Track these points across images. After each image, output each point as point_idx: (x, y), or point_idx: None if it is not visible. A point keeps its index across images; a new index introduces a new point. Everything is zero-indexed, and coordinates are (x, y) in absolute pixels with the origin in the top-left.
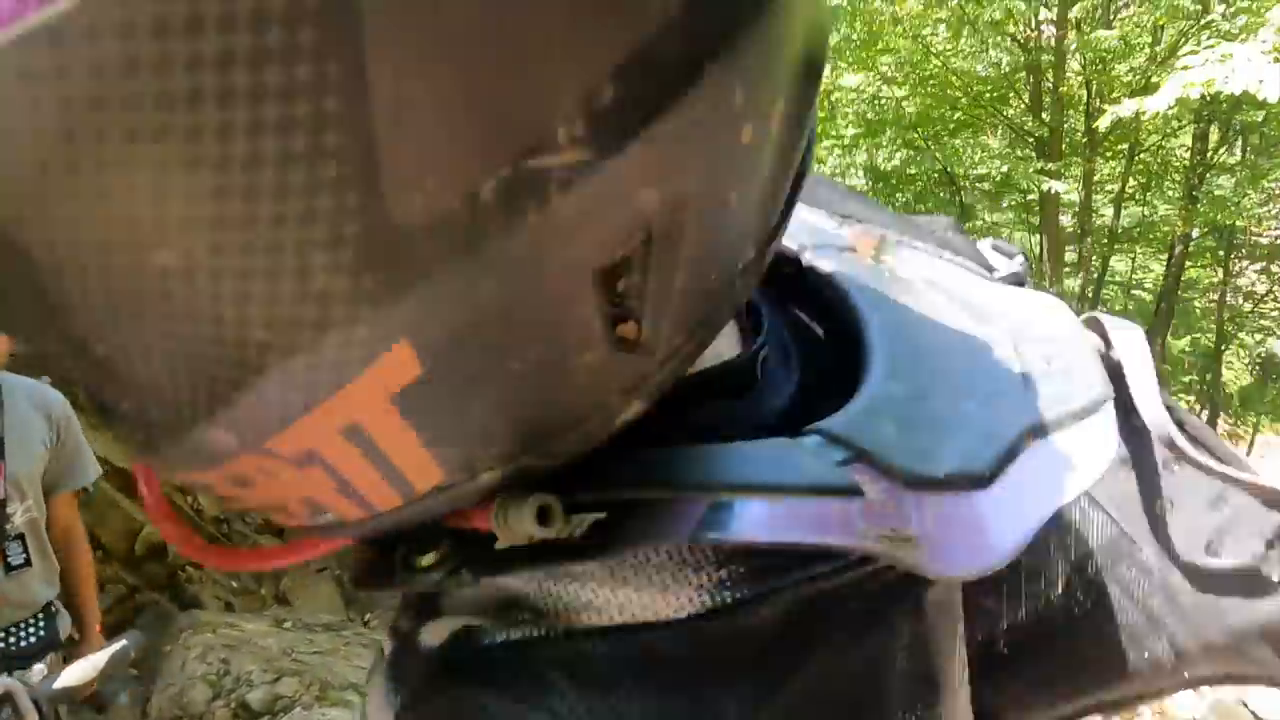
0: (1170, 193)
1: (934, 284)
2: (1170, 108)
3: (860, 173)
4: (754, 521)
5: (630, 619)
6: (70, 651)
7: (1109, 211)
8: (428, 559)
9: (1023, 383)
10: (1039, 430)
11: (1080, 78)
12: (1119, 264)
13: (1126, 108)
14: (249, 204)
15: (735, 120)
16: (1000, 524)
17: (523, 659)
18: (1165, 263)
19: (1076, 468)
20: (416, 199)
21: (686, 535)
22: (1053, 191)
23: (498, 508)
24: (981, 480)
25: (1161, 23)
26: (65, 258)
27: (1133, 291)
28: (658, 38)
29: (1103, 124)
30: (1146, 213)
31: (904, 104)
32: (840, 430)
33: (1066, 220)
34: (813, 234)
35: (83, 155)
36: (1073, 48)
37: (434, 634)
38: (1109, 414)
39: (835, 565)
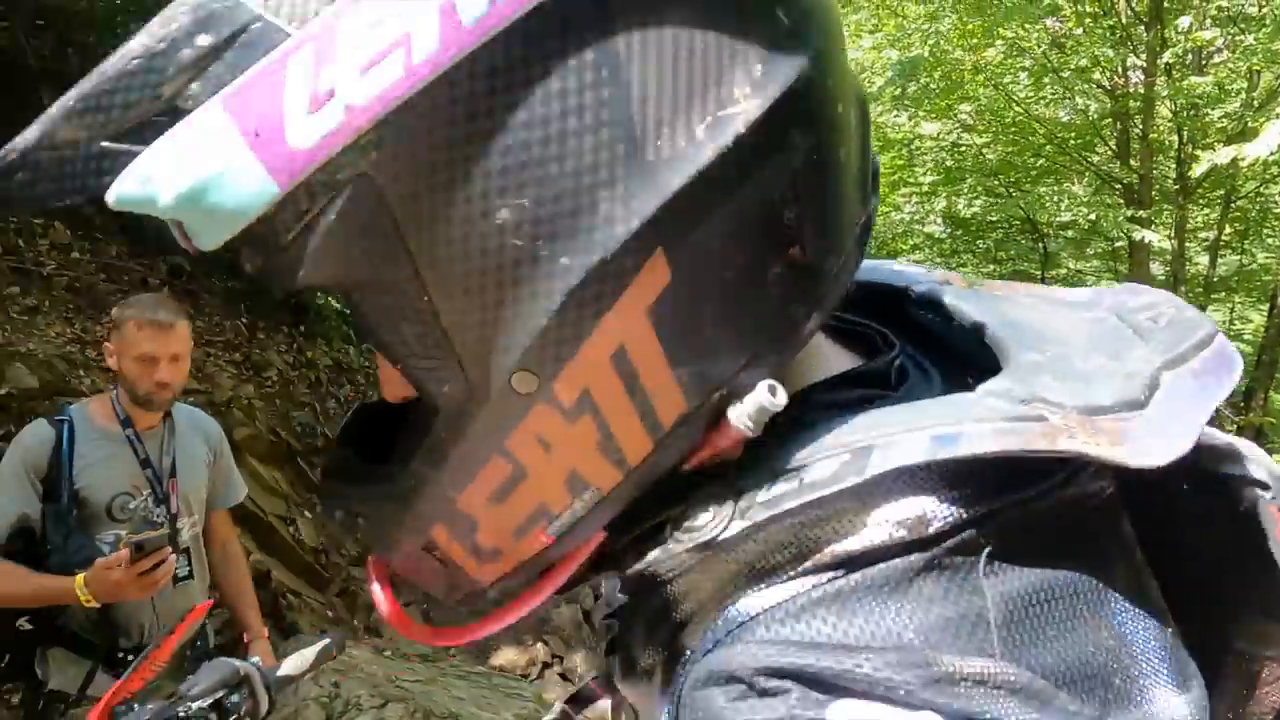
0: (1270, 240)
1: (1030, 293)
2: (1272, 154)
3: (939, 220)
4: (977, 437)
5: (888, 539)
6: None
7: (1203, 260)
8: (704, 515)
9: (1139, 338)
10: (1170, 364)
11: (1171, 124)
12: (1216, 313)
13: (1224, 154)
14: (558, 163)
15: (834, 98)
16: (1170, 429)
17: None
18: (1266, 313)
19: (1217, 379)
20: (665, 146)
21: (924, 455)
22: (1144, 240)
23: (735, 409)
24: (1138, 404)
25: (1258, 68)
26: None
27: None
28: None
29: (1197, 171)
30: (1244, 261)
31: (984, 151)
32: (1008, 384)
33: (1157, 269)
34: (913, 278)
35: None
36: (1163, 94)
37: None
38: (1224, 340)
39: (1042, 488)
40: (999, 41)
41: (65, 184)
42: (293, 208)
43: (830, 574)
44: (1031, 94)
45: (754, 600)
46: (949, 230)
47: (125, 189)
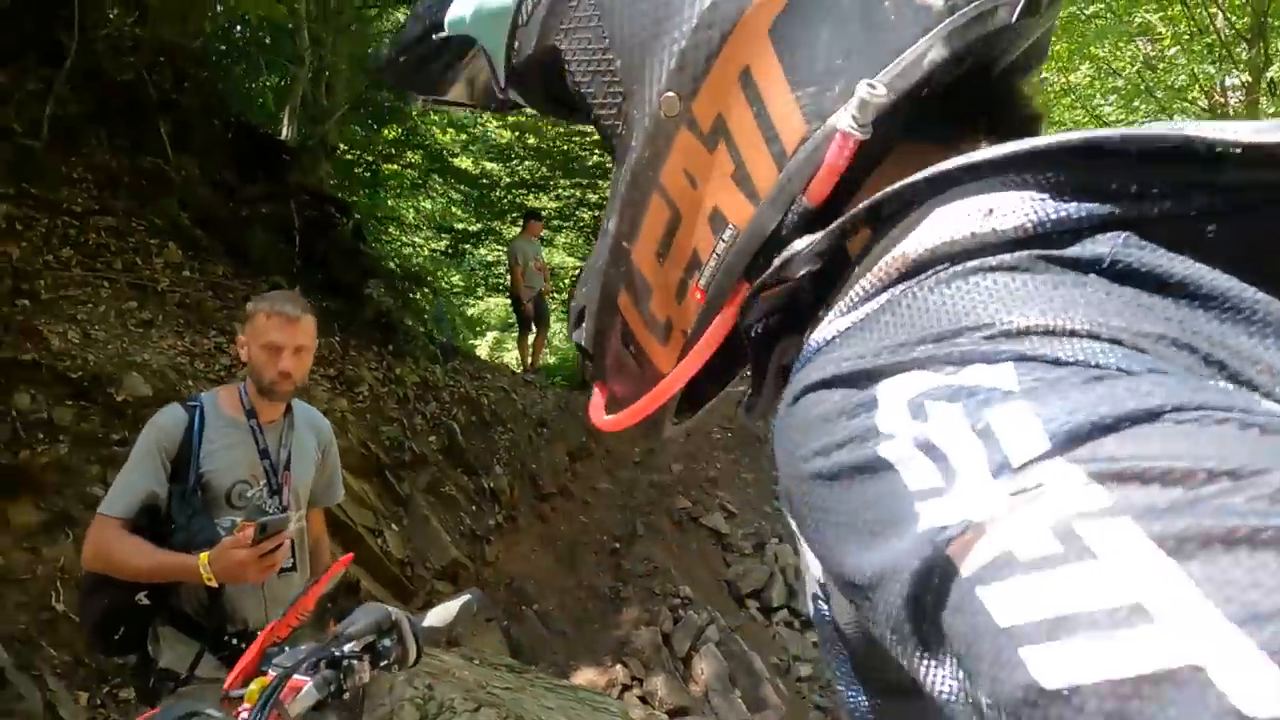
0: None
1: None
2: None
3: None
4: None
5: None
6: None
7: None
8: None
9: None
10: None
11: None
12: None
13: None
14: None
15: None
16: None
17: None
18: None
19: None
20: None
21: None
22: None
23: (840, 114)
24: None
25: None
26: None
27: None
28: None
29: None
30: None
31: None
32: None
33: None
34: None
35: None
36: (1268, 111)
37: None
38: None
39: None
40: (1088, 63)
41: (425, 18)
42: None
43: (893, 288)
44: (1123, 115)
45: (824, 329)
46: None
47: (453, 14)
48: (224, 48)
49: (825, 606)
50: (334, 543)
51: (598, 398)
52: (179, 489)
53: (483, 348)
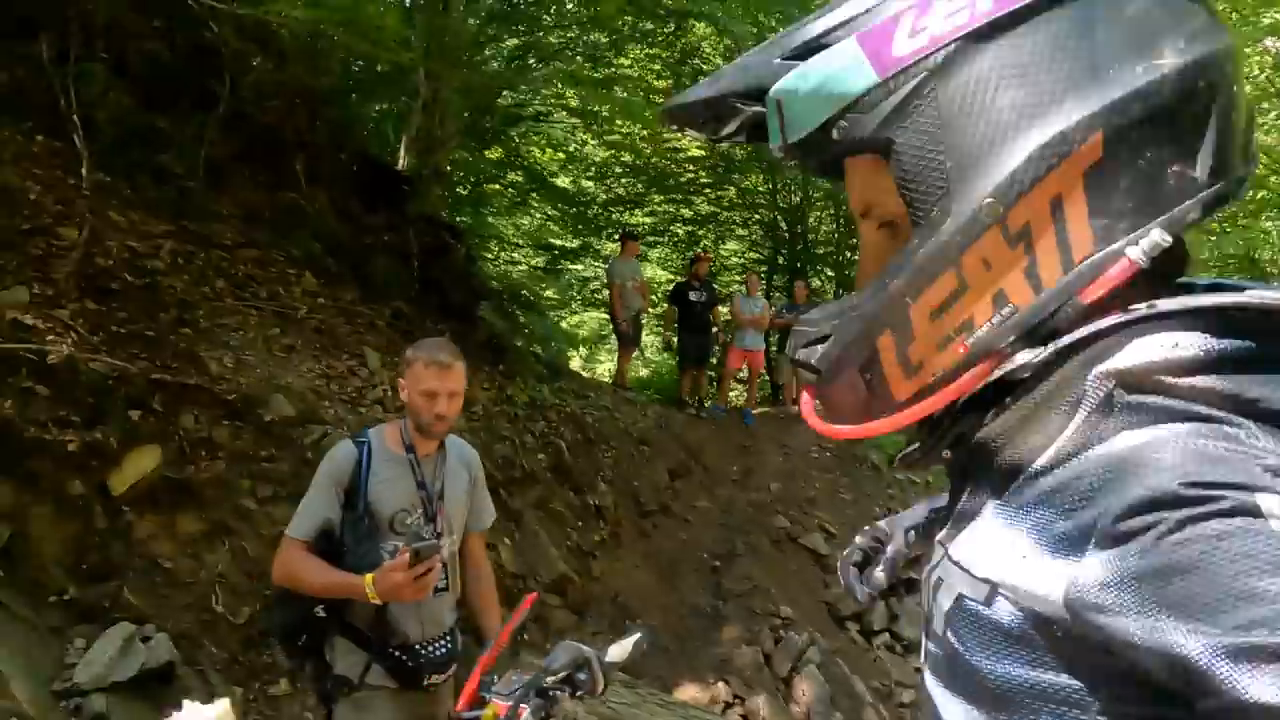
0: None
1: None
2: None
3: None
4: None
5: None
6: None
7: None
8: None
9: None
10: None
11: None
12: None
13: None
14: (1045, 73)
15: (1230, 77)
16: None
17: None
18: None
19: None
20: (1114, 73)
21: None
22: None
23: (1133, 249)
24: None
25: None
26: None
27: None
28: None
29: None
30: None
31: None
32: None
33: None
34: None
35: None
36: None
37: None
38: None
39: None
40: None
41: (750, 80)
42: (881, 89)
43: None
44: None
45: (1071, 432)
46: None
47: (783, 85)
48: (348, 85)
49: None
50: None
51: (808, 401)
52: (350, 516)
53: (575, 360)
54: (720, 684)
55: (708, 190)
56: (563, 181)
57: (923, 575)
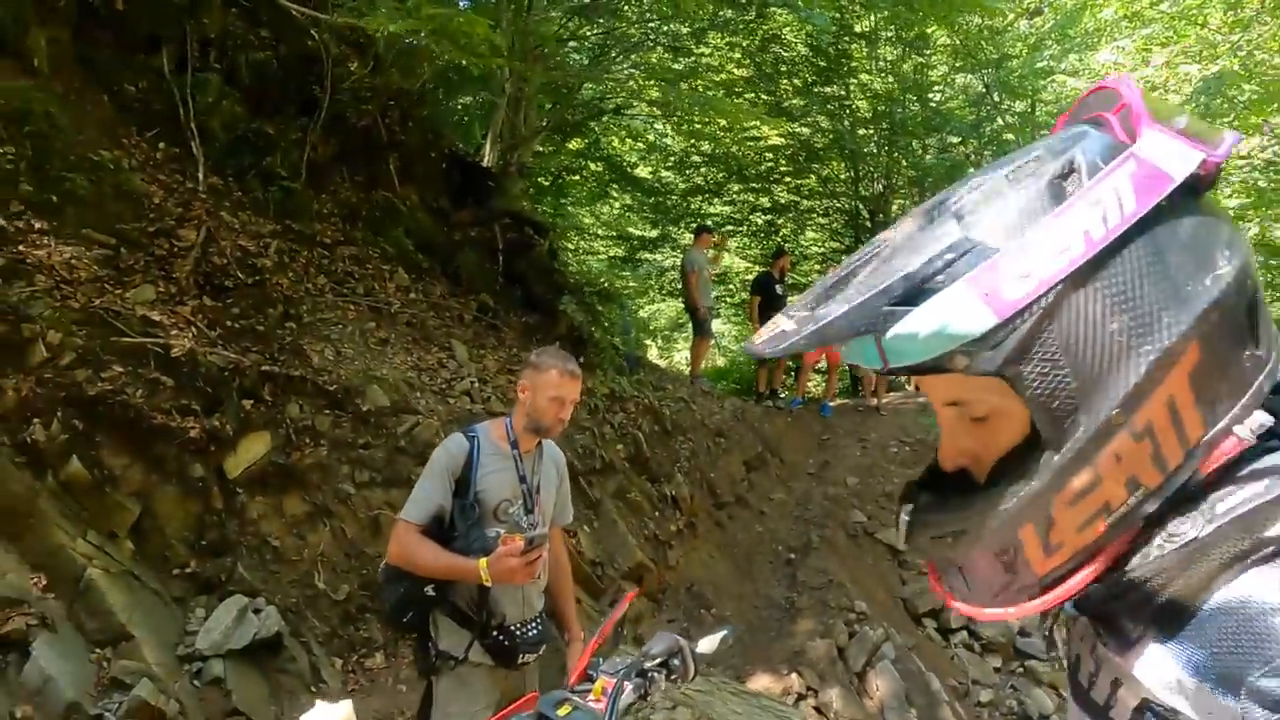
0: None
1: None
2: None
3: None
4: None
5: None
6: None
7: None
8: (1183, 525)
9: None
10: None
11: None
12: None
13: None
14: (1141, 298)
15: (1255, 269)
16: None
17: None
18: None
19: None
20: (1192, 288)
21: None
22: None
23: (1240, 427)
24: None
25: None
26: None
27: None
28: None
29: None
30: None
31: None
32: None
33: None
34: None
35: None
36: None
37: None
38: None
39: None
40: None
41: (859, 327)
42: (997, 333)
43: None
44: None
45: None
46: (1263, 259)
47: (898, 332)
48: (442, 90)
49: None
50: None
51: (938, 584)
52: (460, 503)
53: (652, 350)
54: (793, 675)
55: (787, 179)
56: (642, 171)
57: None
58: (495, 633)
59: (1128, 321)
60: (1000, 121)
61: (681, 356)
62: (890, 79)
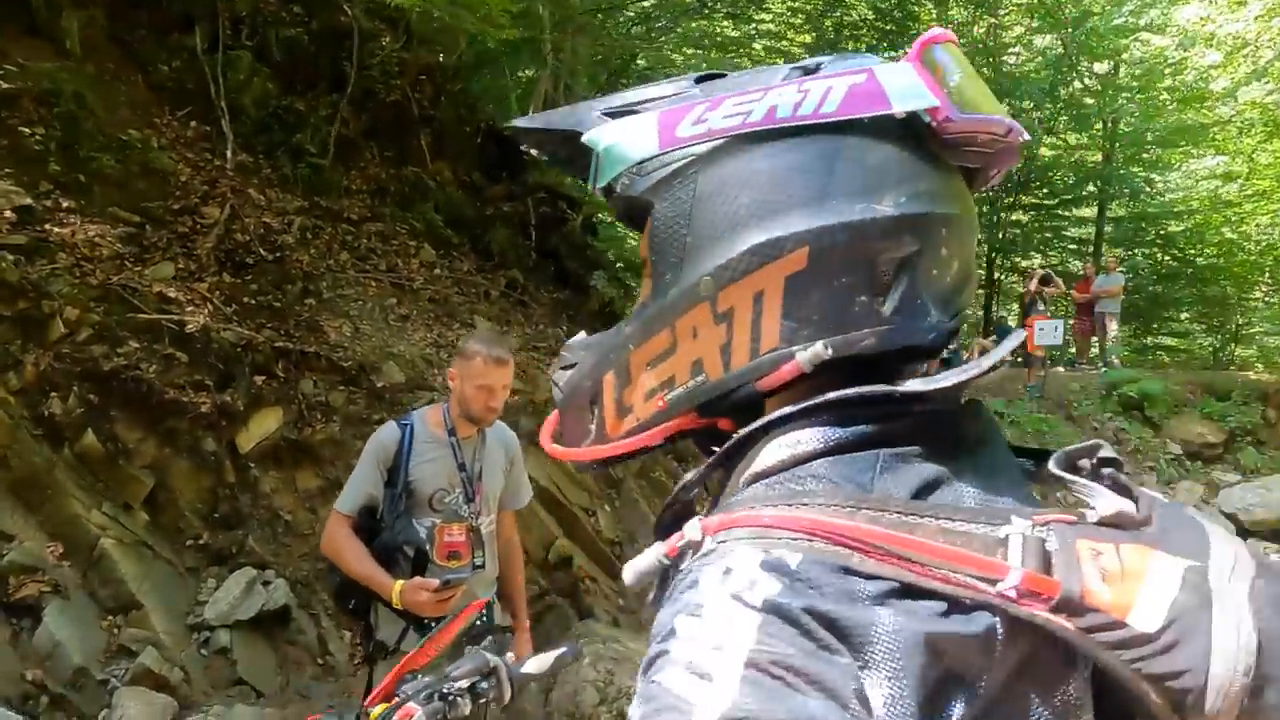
0: None
1: None
2: None
3: None
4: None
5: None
6: (501, 639)
7: None
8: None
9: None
10: None
11: None
12: None
13: None
14: (779, 187)
15: (942, 243)
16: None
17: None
18: None
19: None
20: (834, 204)
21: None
22: None
23: (802, 353)
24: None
25: None
26: None
27: None
28: None
29: None
30: None
31: None
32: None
33: None
34: None
35: None
36: None
37: None
38: None
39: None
40: None
41: (571, 122)
42: (655, 160)
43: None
44: None
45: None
46: None
47: (591, 135)
48: (473, 65)
49: None
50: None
51: (551, 423)
52: (390, 493)
53: None
54: None
55: None
56: None
57: None
58: (430, 622)
59: (759, 200)
60: (1079, 85)
61: None
62: (961, 42)
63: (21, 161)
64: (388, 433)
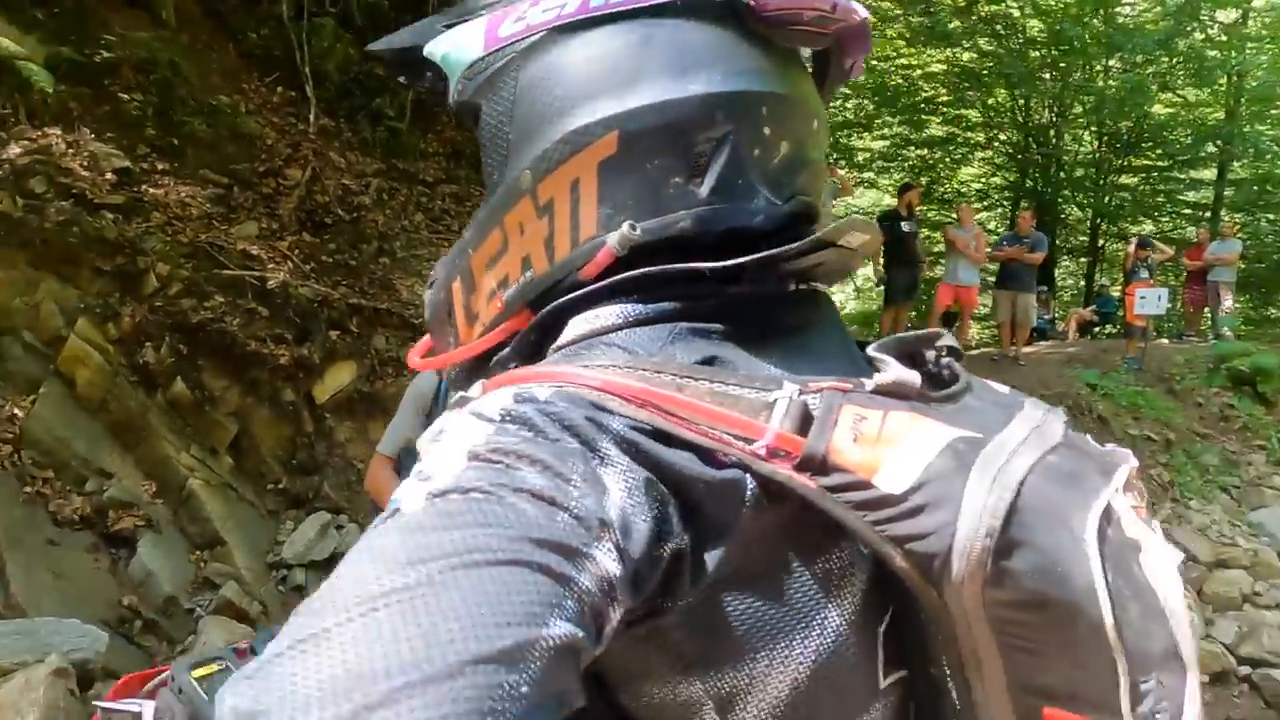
0: None
1: None
2: None
3: None
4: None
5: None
6: None
7: None
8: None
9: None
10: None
11: None
12: None
13: None
14: (592, 79)
15: (762, 123)
16: None
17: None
18: None
19: None
20: (643, 86)
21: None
22: None
23: (612, 236)
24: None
25: None
26: None
27: None
28: None
29: None
30: None
31: None
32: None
33: None
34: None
35: None
36: None
37: None
38: None
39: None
40: None
41: (416, 39)
42: (481, 63)
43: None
44: None
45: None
46: None
47: (429, 47)
48: None
49: None
50: None
51: (422, 345)
52: None
53: None
54: None
55: (945, 109)
56: None
57: None
58: None
59: (572, 88)
60: (1200, 36)
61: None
62: None
63: (121, 126)
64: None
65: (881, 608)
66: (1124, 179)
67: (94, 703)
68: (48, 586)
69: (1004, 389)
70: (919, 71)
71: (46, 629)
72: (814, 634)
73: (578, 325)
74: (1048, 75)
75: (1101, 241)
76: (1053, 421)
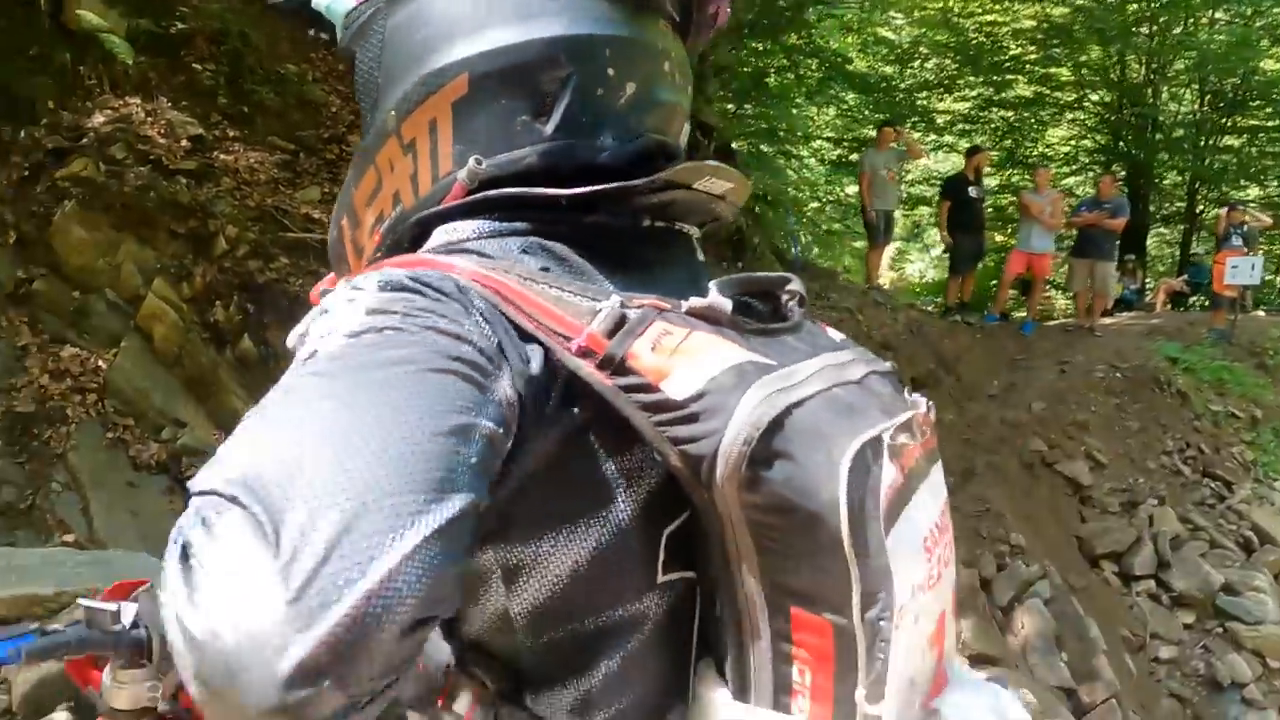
0: None
1: None
2: None
3: None
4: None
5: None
6: None
7: None
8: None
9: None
10: None
11: None
12: None
13: None
14: (447, 22)
15: (608, 65)
16: None
17: None
18: None
19: None
20: (491, 31)
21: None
22: None
23: (462, 170)
24: None
25: None
26: None
27: None
28: None
29: None
30: None
31: None
32: None
33: None
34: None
35: None
36: None
37: None
38: None
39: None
40: None
41: None
42: (355, 11)
43: None
44: None
45: None
46: None
47: (316, 0)
48: None
49: None
50: None
51: (327, 280)
52: None
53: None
54: None
55: (1033, 67)
56: (860, 65)
57: None
58: None
59: (431, 33)
60: None
61: (908, 271)
62: None
63: (195, 95)
64: None
65: (674, 510)
66: (1226, 140)
67: (78, 600)
68: (125, 524)
69: (838, 336)
70: (1005, 28)
71: (120, 560)
72: (600, 524)
73: (435, 238)
74: (1145, 30)
75: (1200, 208)
76: (860, 365)
